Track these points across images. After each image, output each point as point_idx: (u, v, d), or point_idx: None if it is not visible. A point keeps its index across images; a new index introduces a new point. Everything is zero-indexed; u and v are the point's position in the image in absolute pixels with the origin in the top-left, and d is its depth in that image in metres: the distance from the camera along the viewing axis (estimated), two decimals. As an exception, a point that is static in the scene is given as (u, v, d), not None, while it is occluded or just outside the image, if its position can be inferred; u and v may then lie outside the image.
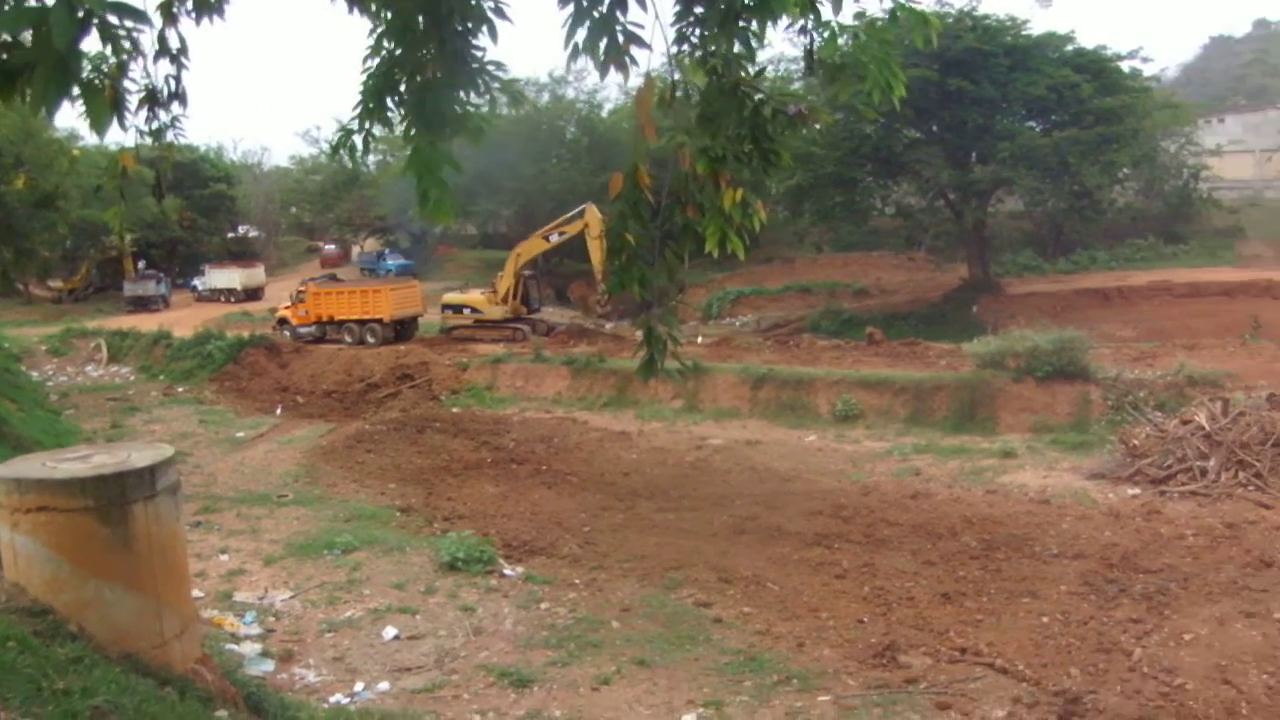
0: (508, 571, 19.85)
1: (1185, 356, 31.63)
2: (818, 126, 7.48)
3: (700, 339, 48.00)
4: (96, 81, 5.45)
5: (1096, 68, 51.37)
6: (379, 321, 48.73)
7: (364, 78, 7.01)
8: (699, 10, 6.35)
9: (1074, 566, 19.21)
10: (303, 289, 52.60)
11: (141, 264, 79.36)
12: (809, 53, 7.04)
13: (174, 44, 6.66)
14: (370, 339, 48.33)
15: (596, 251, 45.26)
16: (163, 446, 11.08)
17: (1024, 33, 51.48)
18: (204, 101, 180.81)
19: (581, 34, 6.01)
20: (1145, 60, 65.82)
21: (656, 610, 17.94)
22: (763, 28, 6.31)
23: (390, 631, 16.80)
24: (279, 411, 39.39)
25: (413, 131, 6.81)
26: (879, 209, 59.42)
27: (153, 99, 7.11)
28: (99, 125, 4.70)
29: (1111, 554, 19.62)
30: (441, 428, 34.39)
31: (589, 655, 15.84)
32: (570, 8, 5.99)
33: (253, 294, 75.70)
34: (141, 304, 70.97)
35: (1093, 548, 20.09)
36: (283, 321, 51.87)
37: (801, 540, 21.56)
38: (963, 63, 48.44)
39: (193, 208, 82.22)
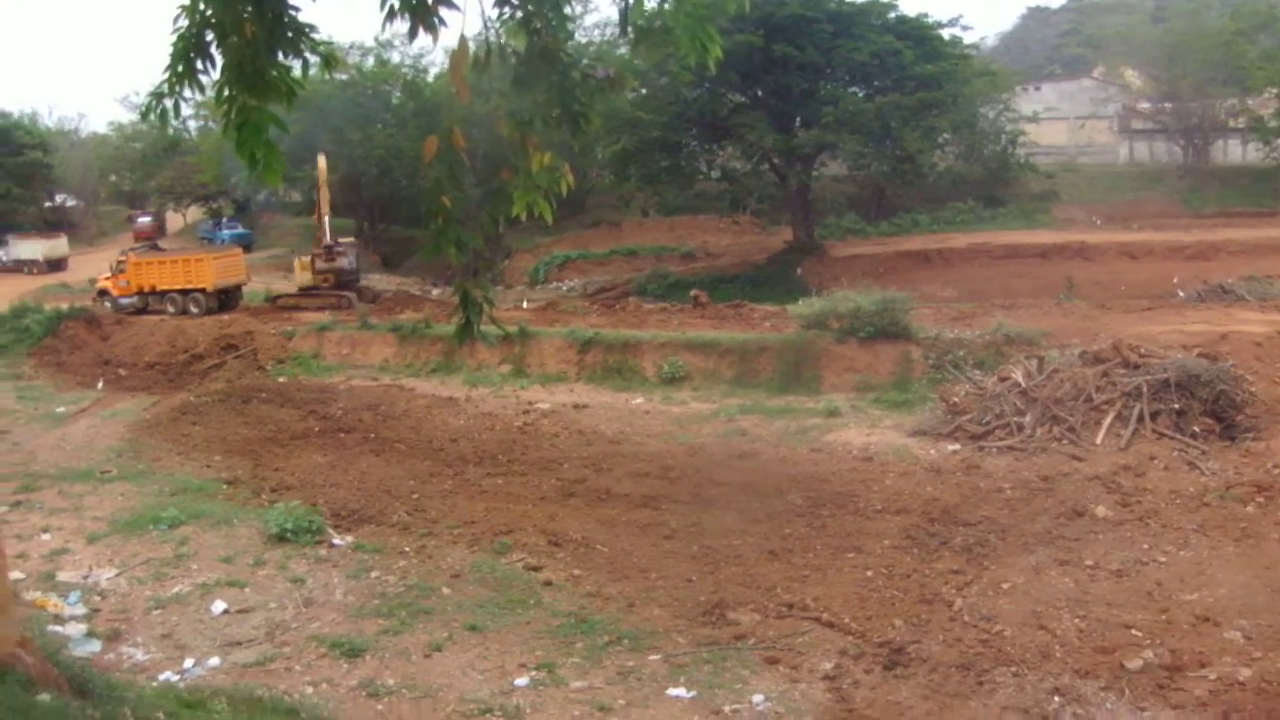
0: (337, 541, 19.50)
1: (1003, 316, 32.23)
2: (630, 93, 7.33)
3: (525, 304, 47.78)
4: None
5: (918, 35, 52.46)
6: (202, 291, 47.00)
7: (174, 39, 6.68)
8: None
9: (897, 521, 19.60)
10: (123, 259, 50.66)
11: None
12: (623, 16, 6.90)
13: None
14: (194, 309, 46.59)
15: (322, 201, 47.69)
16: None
17: (847, 0, 52.17)
18: (15, 65, 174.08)
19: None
20: (965, 28, 67.78)
21: (487, 575, 17.82)
22: None
23: (219, 606, 16.39)
24: (101, 385, 38.03)
25: (228, 94, 6.51)
26: (704, 173, 59.79)
27: None
28: None
29: (933, 508, 20.07)
30: (268, 398, 33.63)
31: (420, 623, 15.65)
32: None
33: (55, 265, 73.33)
34: None
35: (914, 503, 20.51)
36: (103, 293, 49.83)
37: (630, 502, 21.62)
38: (787, 28, 48.91)
39: (6, 176, 79.01)
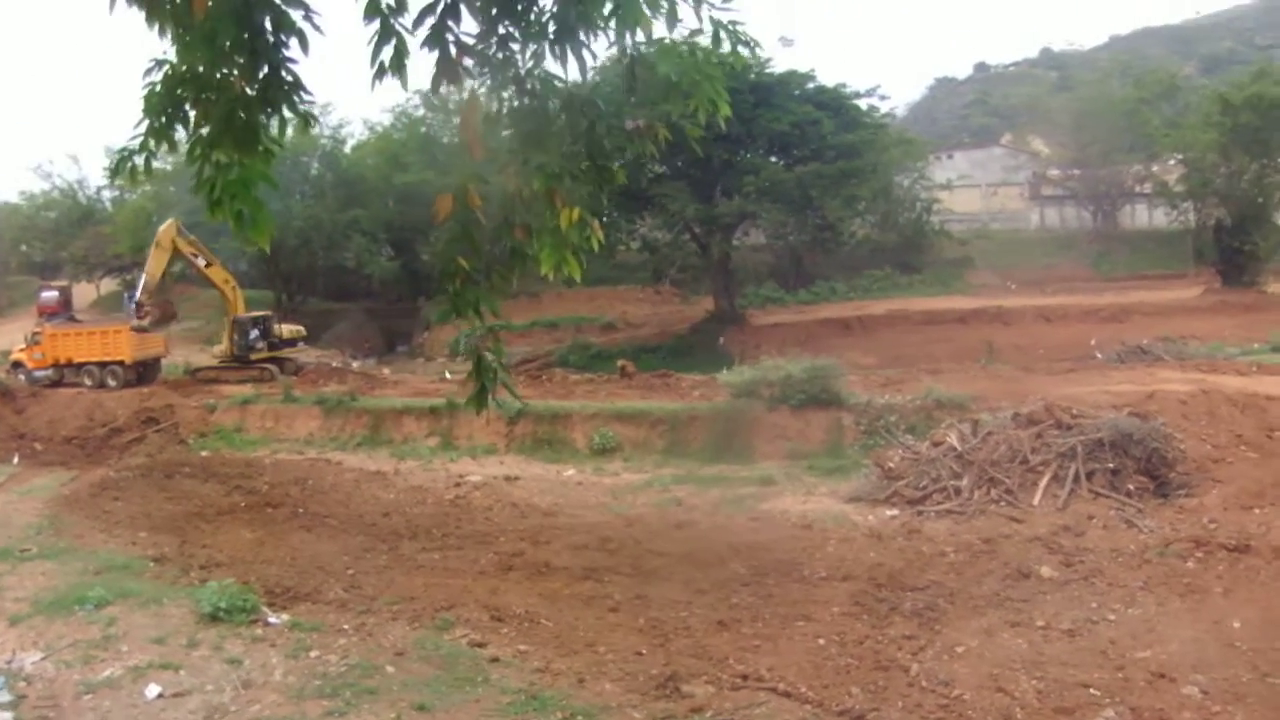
0: (272, 620, 18.68)
1: (931, 381, 32.42)
2: (652, 145, 7.15)
3: (448, 374, 47.44)
4: None
5: (836, 104, 53.12)
6: (120, 364, 46.37)
7: (145, 94, 6.44)
8: (510, 26, 6.01)
9: (844, 588, 19.39)
10: (39, 330, 49.79)
11: None
12: (630, 70, 6.74)
13: None
14: (111, 382, 45.90)
15: (152, 261, 46.95)
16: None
17: (767, 70, 52.67)
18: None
19: (387, 52, 5.70)
20: (882, 98, 68.50)
21: (431, 652, 17.21)
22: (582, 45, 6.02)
23: (153, 690, 15.58)
24: (16, 460, 37.14)
25: (203, 150, 6.28)
26: (625, 244, 59.88)
27: None
28: None
29: (878, 574, 19.90)
30: (191, 472, 33.01)
31: (366, 703, 15.06)
32: (375, 25, 5.62)
33: None
34: None
35: (859, 569, 20.32)
36: (17, 365, 48.69)
37: (570, 575, 21.23)
38: (709, 99, 49.15)
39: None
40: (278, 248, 68.27)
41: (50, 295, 77.23)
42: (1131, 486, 23.06)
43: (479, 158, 5.90)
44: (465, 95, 5.93)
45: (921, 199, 75.18)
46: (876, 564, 20.53)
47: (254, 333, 48.46)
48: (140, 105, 6.54)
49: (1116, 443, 23.72)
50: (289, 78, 5.98)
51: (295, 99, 6.12)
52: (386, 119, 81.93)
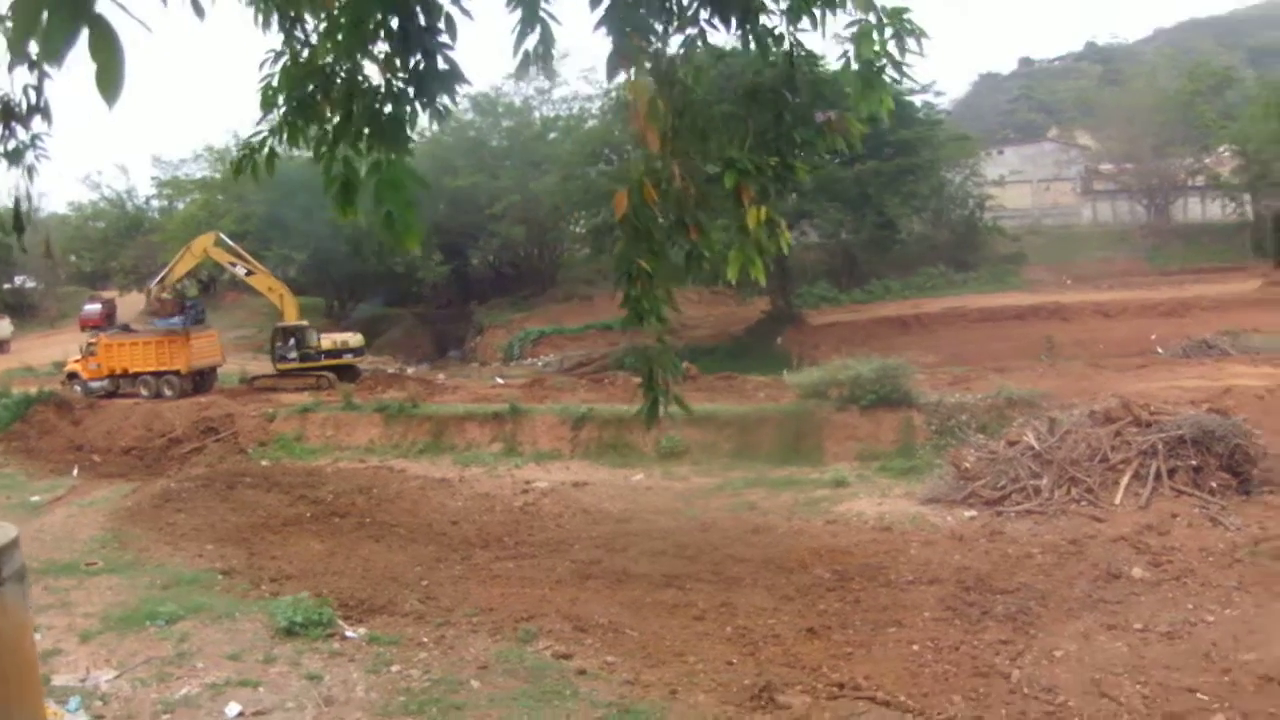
0: (349, 633, 18.43)
1: (999, 379, 32.12)
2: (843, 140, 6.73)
3: (500, 380, 47.32)
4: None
5: (892, 100, 52.55)
6: (176, 373, 46.05)
7: (262, 88, 6.27)
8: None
9: (931, 592, 19.13)
10: (93, 341, 49.78)
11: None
12: (789, 60, 6.44)
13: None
14: (168, 391, 45.52)
15: (178, 261, 48.44)
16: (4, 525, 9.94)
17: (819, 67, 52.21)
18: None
19: (532, 40, 5.48)
20: (939, 94, 67.96)
21: (515, 665, 16.91)
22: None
23: (233, 708, 15.22)
24: (76, 472, 37.08)
25: (328, 148, 6.09)
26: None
27: (8, 113, 6.01)
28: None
29: (965, 577, 19.61)
30: (253, 482, 32.86)
31: (453, 719, 14.95)
32: (519, 12, 5.42)
33: None
34: None
35: (945, 572, 20.05)
36: (72, 375, 48.55)
37: (651, 582, 20.98)
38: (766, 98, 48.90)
39: (-37, 258, 77.87)
40: (328, 254, 68.63)
41: (93, 309, 77.00)
42: (1214, 484, 22.60)
43: (655, 148, 5.58)
44: (634, 80, 5.60)
45: (974, 195, 74.50)
46: (963, 567, 20.24)
47: (288, 342, 48.32)
48: (258, 100, 6.35)
49: (1198, 440, 23.26)
50: (445, 65, 5.70)
51: (454, 89, 5.87)
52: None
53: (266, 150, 6.51)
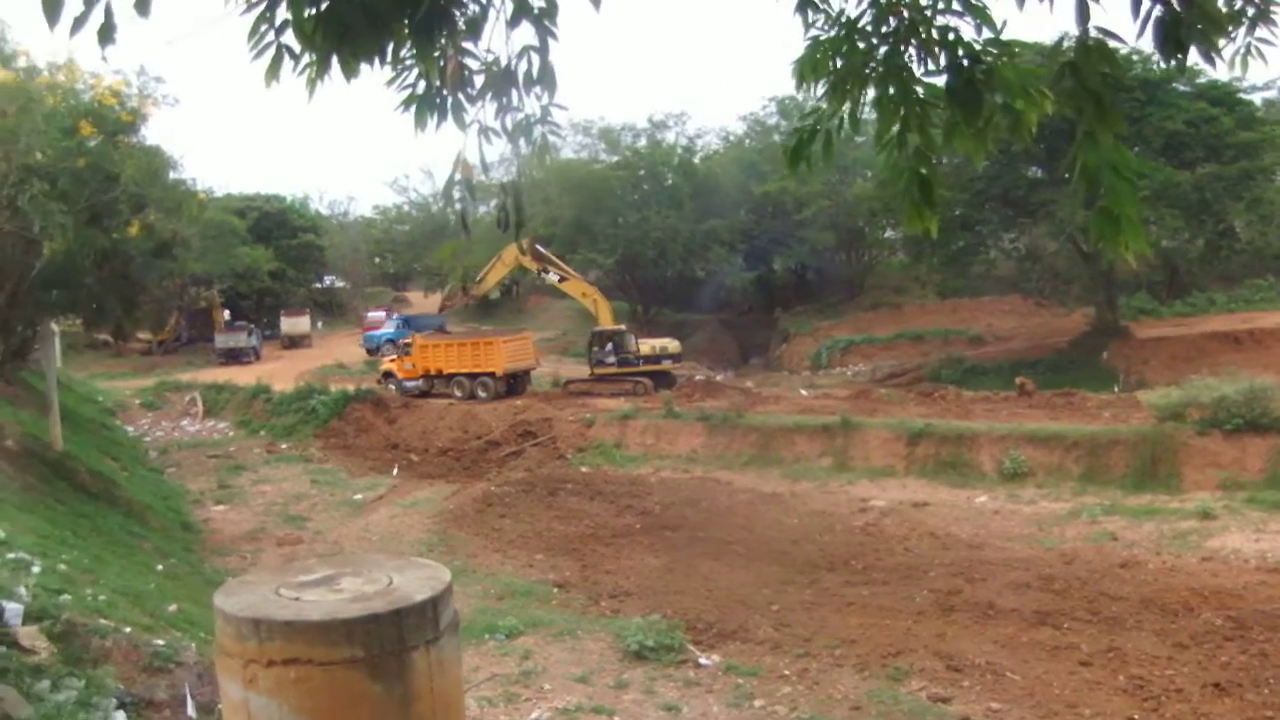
0: (703, 660, 17.71)
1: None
2: None
3: (804, 392, 46.48)
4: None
5: (1231, 101, 49.55)
6: (491, 375, 46.90)
7: (799, 63, 5.48)
8: None
9: (1349, 649, 17.39)
10: (409, 341, 51.31)
11: (226, 314, 78.47)
12: None
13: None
14: (481, 393, 46.43)
15: (490, 270, 50.61)
16: (429, 564, 9.43)
17: (1151, 65, 49.61)
18: (289, 151, 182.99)
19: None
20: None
21: (891, 707, 15.92)
22: None
23: None
24: (395, 471, 38.10)
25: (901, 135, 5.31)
26: (1004, 253, 57.60)
27: (507, 79, 4.94)
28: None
29: (1390, 631, 17.80)
30: (574, 489, 33.07)
31: (839, 769, 14.10)
32: None
33: (295, 342, 77.46)
34: (233, 356, 69.65)
35: (1360, 624, 18.25)
36: (388, 374, 50.47)
37: (1022, 619, 19.74)
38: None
39: (281, 257, 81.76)
40: (634, 259, 69.05)
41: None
42: None
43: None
44: None
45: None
46: (1382, 619, 18.42)
47: (606, 347, 48.48)
48: (793, 78, 5.58)
49: None
50: None
51: None
52: (740, 127, 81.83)
53: (823, 141, 5.66)
